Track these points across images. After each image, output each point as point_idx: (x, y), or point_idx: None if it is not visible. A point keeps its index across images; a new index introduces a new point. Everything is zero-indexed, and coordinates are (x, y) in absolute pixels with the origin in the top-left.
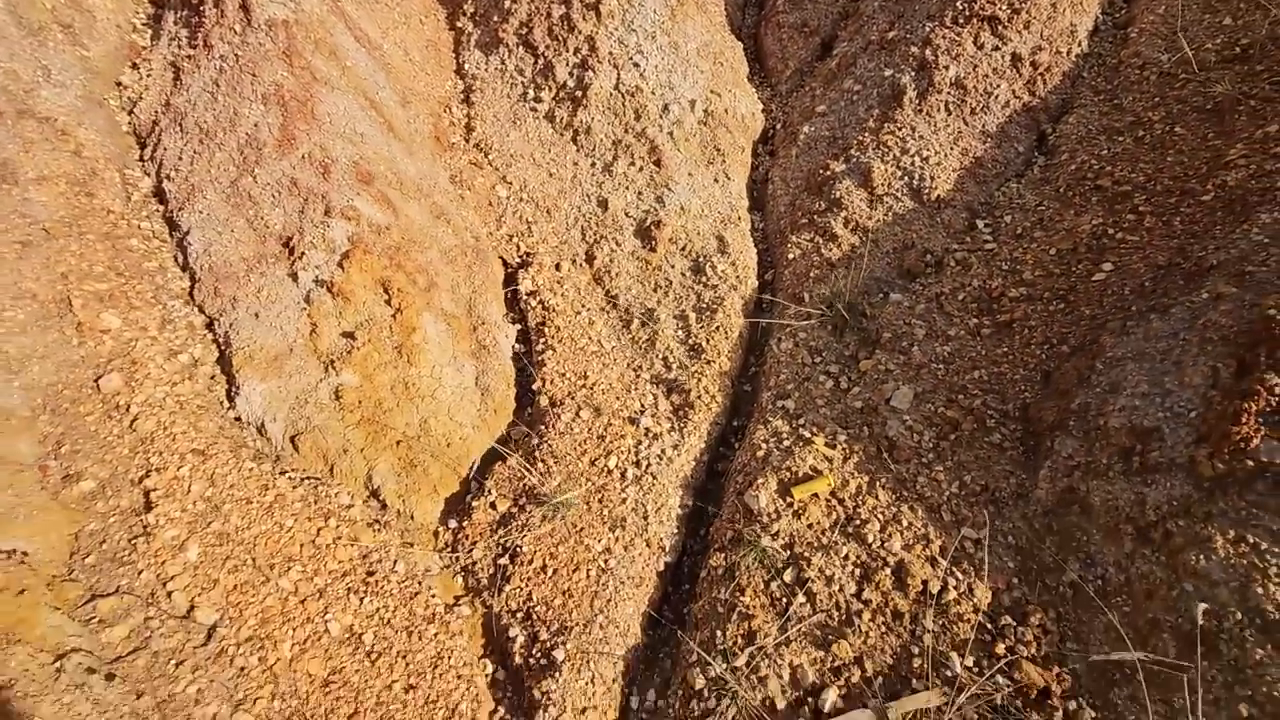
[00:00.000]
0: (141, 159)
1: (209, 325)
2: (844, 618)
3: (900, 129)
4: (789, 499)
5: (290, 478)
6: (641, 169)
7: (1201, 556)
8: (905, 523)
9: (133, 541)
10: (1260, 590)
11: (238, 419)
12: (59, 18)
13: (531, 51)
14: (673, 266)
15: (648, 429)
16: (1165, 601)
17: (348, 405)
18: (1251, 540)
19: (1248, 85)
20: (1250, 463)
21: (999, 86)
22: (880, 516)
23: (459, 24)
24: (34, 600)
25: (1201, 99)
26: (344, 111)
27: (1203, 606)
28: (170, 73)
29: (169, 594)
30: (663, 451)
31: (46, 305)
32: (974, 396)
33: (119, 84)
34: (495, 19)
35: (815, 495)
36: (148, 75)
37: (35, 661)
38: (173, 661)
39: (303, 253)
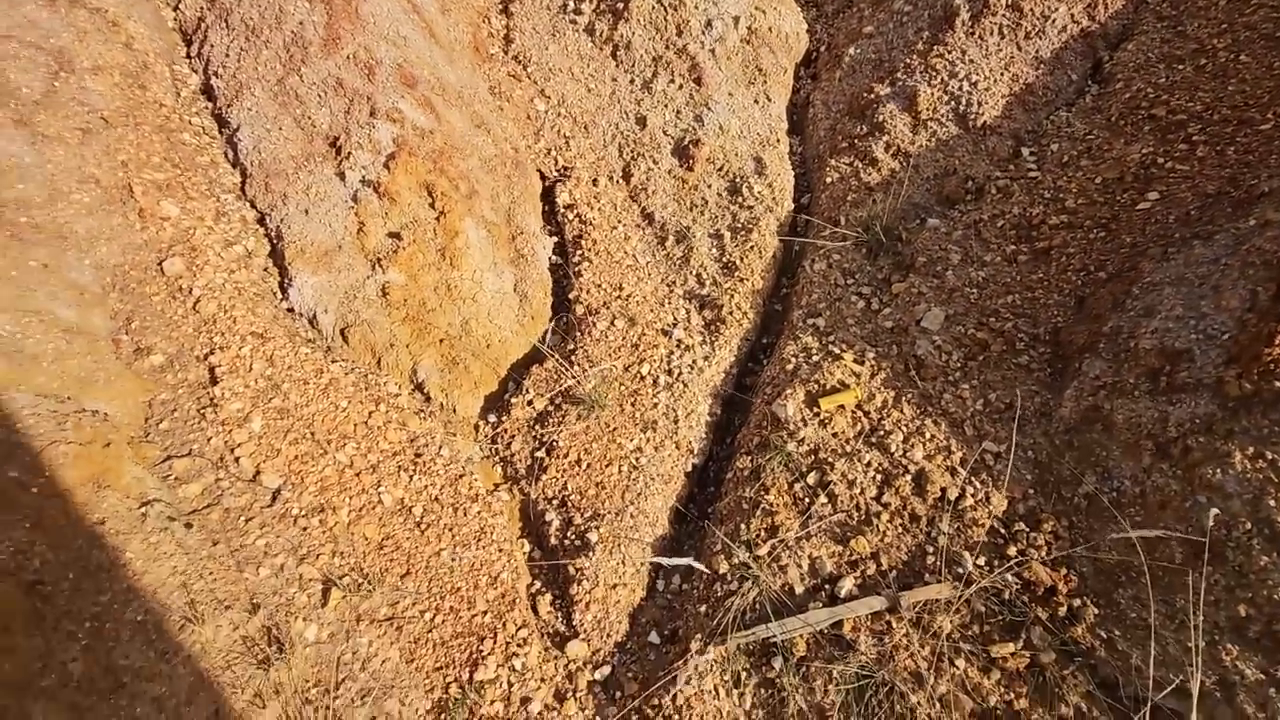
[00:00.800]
0: (188, 55)
1: (260, 220)
2: (863, 518)
3: (950, 52)
4: (816, 409)
5: (342, 366)
6: (681, 87)
7: (1218, 471)
8: (928, 435)
9: (201, 411)
10: (1272, 503)
11: (290, 310)
12: None
13: None
14: (709, 186)
15: (680, 341)
16: (1177, 512)
17: (394, 302)
18: (1270, 456)
19: None
20: (1278, 384)
21: (1057, 10)
22: (904, 429)
23: None
24: (118, 454)
25: (1272, 25)
26: (387, 13)
27: (1214, 512)
28: None
29: (236, 459)
30: (694, 362)
31: (109, 191)
32: (1005, 320)
33: None
34: None
35: (842, 407)
36: None
37: (124, 505)
38: (243, 518)
39: (349, 153)
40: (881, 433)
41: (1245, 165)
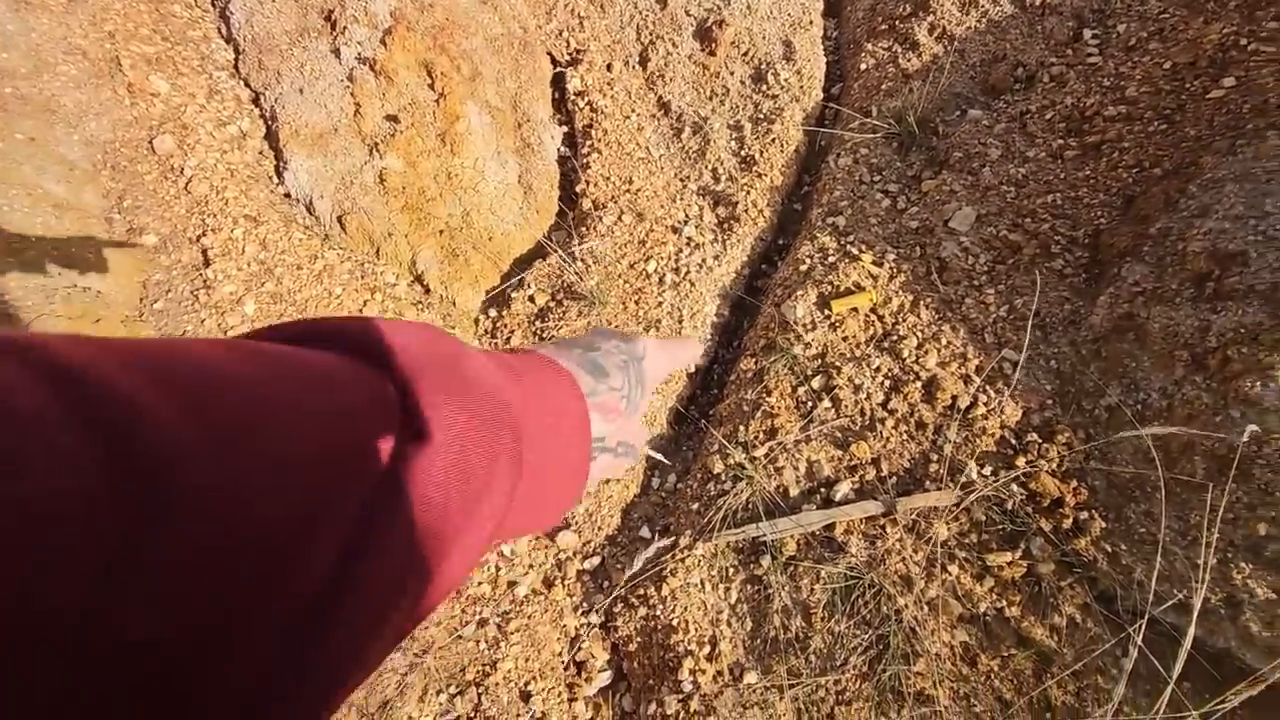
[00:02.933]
0: None
1: (255, 100)
2: (867, 423)
3: None
4: (827, 311)
5: (338, 253)
6: None
7: (1258, 384)
8: (944, 341)
9: (194, 293)
10: None
11: (287, 195)
12: None
13: None
14: (732, 73)
15: (690, 238)
16: (1205, 426)
17: (392, 190)
18: None
19: None
20: None
21: None
22: (919, 334)
23: None
24: (109, 330)
25: None
26: None
27: (1251, 428)
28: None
29: None
30: (703, 261)
31: (97, 63)
32: (1042, 221)
33: None
34: None
35: (855, 310)
36: None
37: None
38: None
39: (345, 27)
40: (895, 338)
41: None
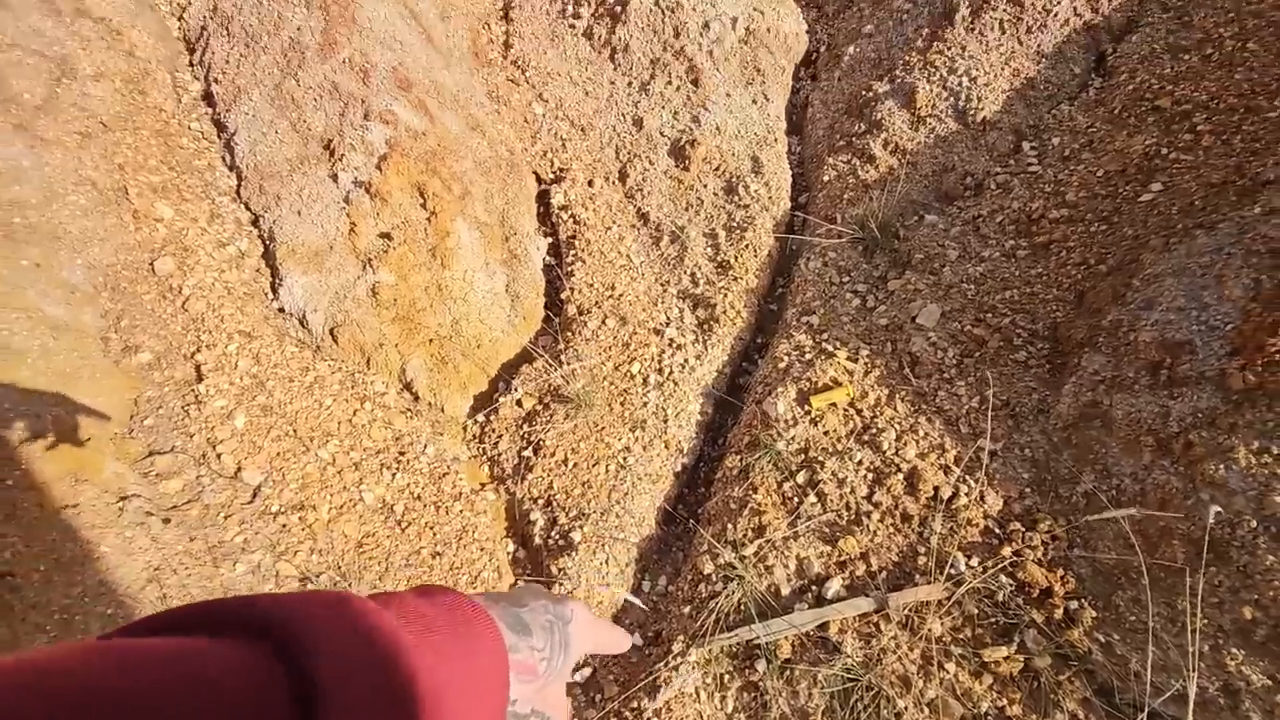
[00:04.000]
0: (191, 64)
1: (254, 221)
2: (853, 517)
3: (950, 48)
4: (807, 407)
5: (329, 364)
6: (678, 88)
7: (1221, 466)
8: (922, 433)
9: (185, 408)
10: (1278, 499)
11: (281, 310)
12: None
13: None
14: (705, 186)
15: (672, 340)
16: (1180, 510)
17: (384, 302)
18: (1275, 451)
19: None
20: None
21: (1059, 4)
22: (897, 426)
23: None
24: (98, 448)
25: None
26: (384, 18)
27: (1215, 510)
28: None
29: (219, 455)
30: (685, 361)
31: (105, 193)
32: (1003, 315)
33: None
34: None
35: (834, 404)
36: None
37: (101, 500)
38: (222, 514)
39: (343, 154)
40: (874, 430)
41: (1252, 153)
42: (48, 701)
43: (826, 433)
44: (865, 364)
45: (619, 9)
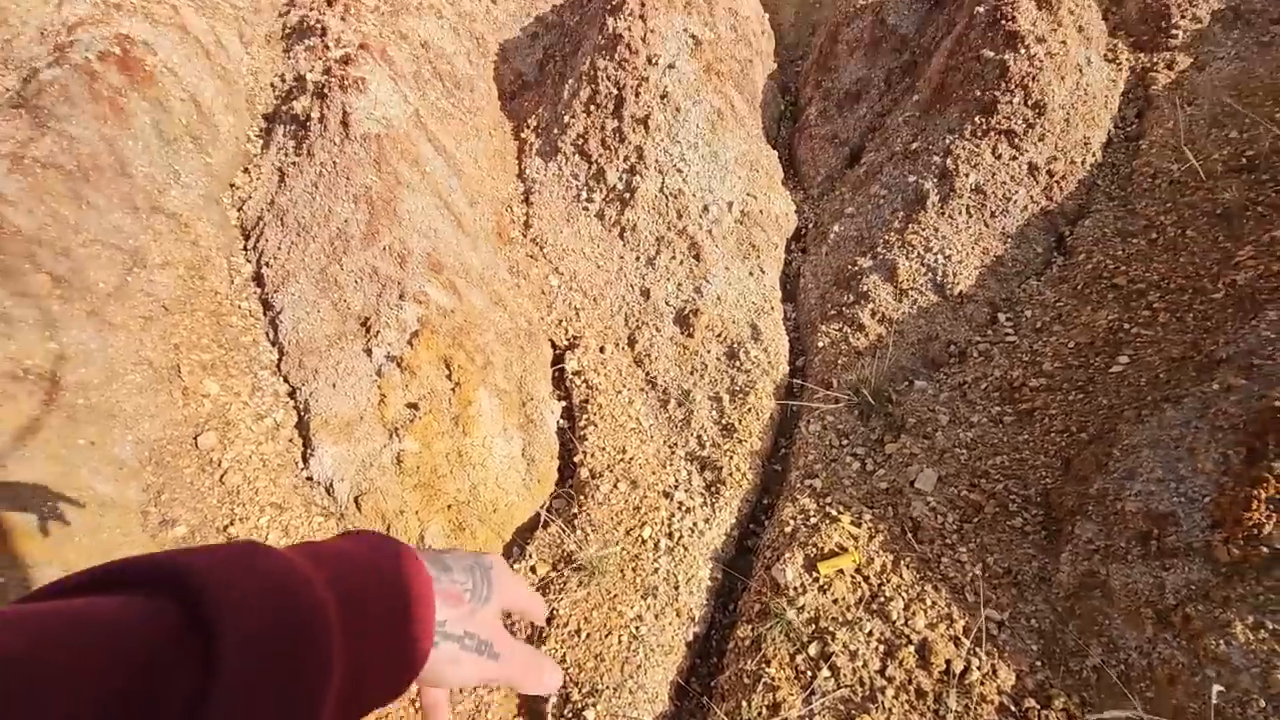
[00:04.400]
0: (245, 248)
1: (292, 393)
2: (868, 694)
3: (924, 229)
4: (815, 574)
5: None
6: (682, 262)
7: (1221, 642)
8: (929, 602)
9: None
10: None
11: (309, 478)
12: (191, 130)
13: (586, 159)
14: (709, 351)
15: (681, 503)
16: (1188, 687)
17: (407, 470)
18: (1271, 626)
19: (1254, 193)
20: (1265, 549)
21: (1017, 192)
22: (904, 595)
23: (523, 135)
24: None
25: (1211, 205)
26: (421, 210)
27: (1217, 689)
28: (276, 176)
29: None
30: (695, 525)
31: (160, 371)
32: (996, 481)
33: (232, 185)
34: (555, 131)
35: (841, 571)
36: (257, 178)
37: None
38: None
39: (378, 331)
40: (882, 599)
41: (1204, 330)
42: None
43: (836, 601)
44: (869, 529)
45: (628, 194)
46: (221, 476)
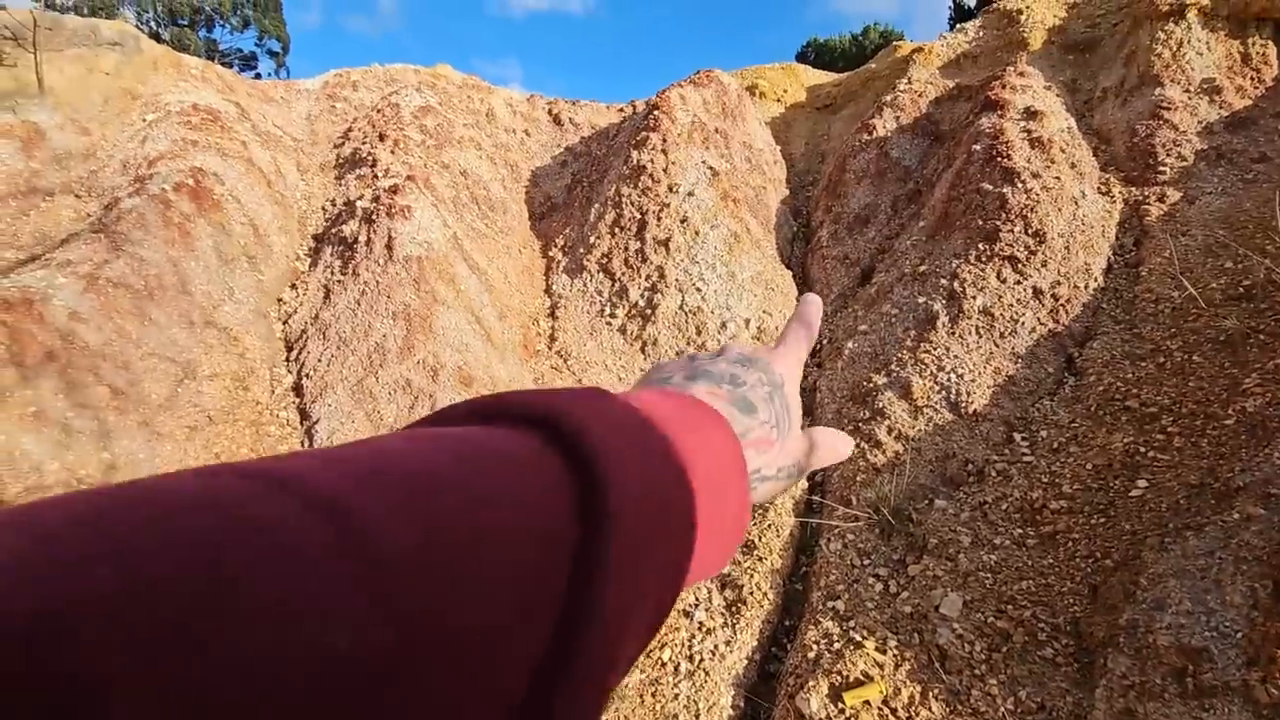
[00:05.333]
0: (288, 360)
1: None
2: None
3: (935, 348)
4: (840, 705)
5: None
6: None
7: None
8: None
9: None
10: None
11: None
12: (247, 251)
13: (610, 276)
14: None
15: (701, 623)
16: None
17: None
18: None
19: (1255, 321)
20: None
21: (1024, 315)
22: None
23: (550, 253)
24: None
25: (1214, 331)
26: (455, 325)
27: None
28: (322, 292)
29: None
30: (715, 647)
31: None
32: (1023, 608)
33: (280, 299)
34: (581, 250)
35: (867, 702)
36: (304, 293)
37: None
38: None
39: None
40: None
41: (1220, 457)
42: (407, 499)
43: None
44: (895, 656)
45: (649, 310)
46: None
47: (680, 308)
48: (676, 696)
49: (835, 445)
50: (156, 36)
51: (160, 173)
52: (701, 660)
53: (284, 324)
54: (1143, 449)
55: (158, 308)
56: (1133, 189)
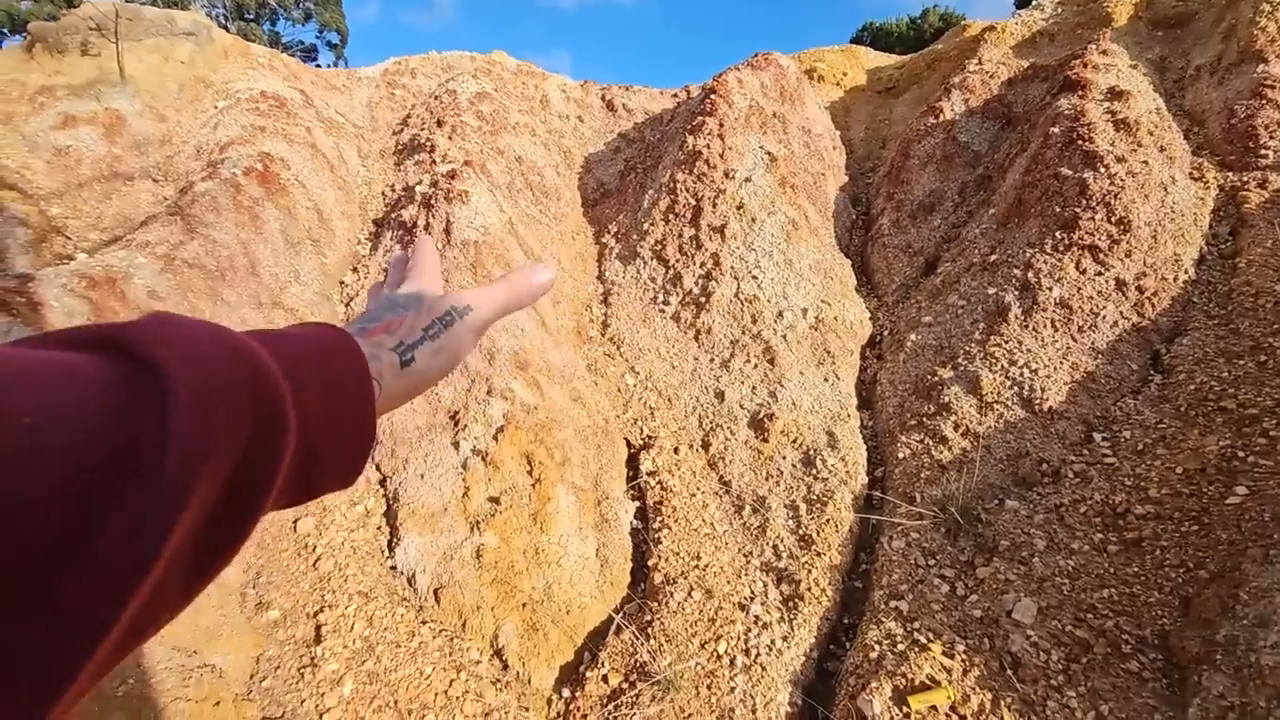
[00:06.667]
0: None
1: (382, 481)
2: None
3: (1007, 342)
4: (905, 709)
5: (431, 628)
6: (756, 366)
7: None
8: None
9: (300, 670)
10: None
11: (393, 567)
12: (311, 234)
13: (663, 264)
14: (784, 457)
15: (758, 617)
16: None
17: (486, 564)
18: None
19: None
20: None
21: (1105, 308)
22: None
23: (603, 240)
24: (224, 713)
25: None
26: None
27: None
28: (382, 276)
29: None
30: (772, 642)
31: None
32: (1105, 617)
33: (342, 283)
34: (634, 237)
35: (934, 708)
36: (365, 277)
37: None
38: None
39: (465, 425)
40: None
41: None
42: None
43: None
44: (963, 661)
45: (703, 298)
46: (315, 561)
47: (735, 296)
48: (733, 690)
49: (529, 280)
50: (224, 30)
51: (230, 157)
52: (758, 655)
53: (346, 306)
54: (1241, 453)
55: (229, 288)
56: (1229, 174)
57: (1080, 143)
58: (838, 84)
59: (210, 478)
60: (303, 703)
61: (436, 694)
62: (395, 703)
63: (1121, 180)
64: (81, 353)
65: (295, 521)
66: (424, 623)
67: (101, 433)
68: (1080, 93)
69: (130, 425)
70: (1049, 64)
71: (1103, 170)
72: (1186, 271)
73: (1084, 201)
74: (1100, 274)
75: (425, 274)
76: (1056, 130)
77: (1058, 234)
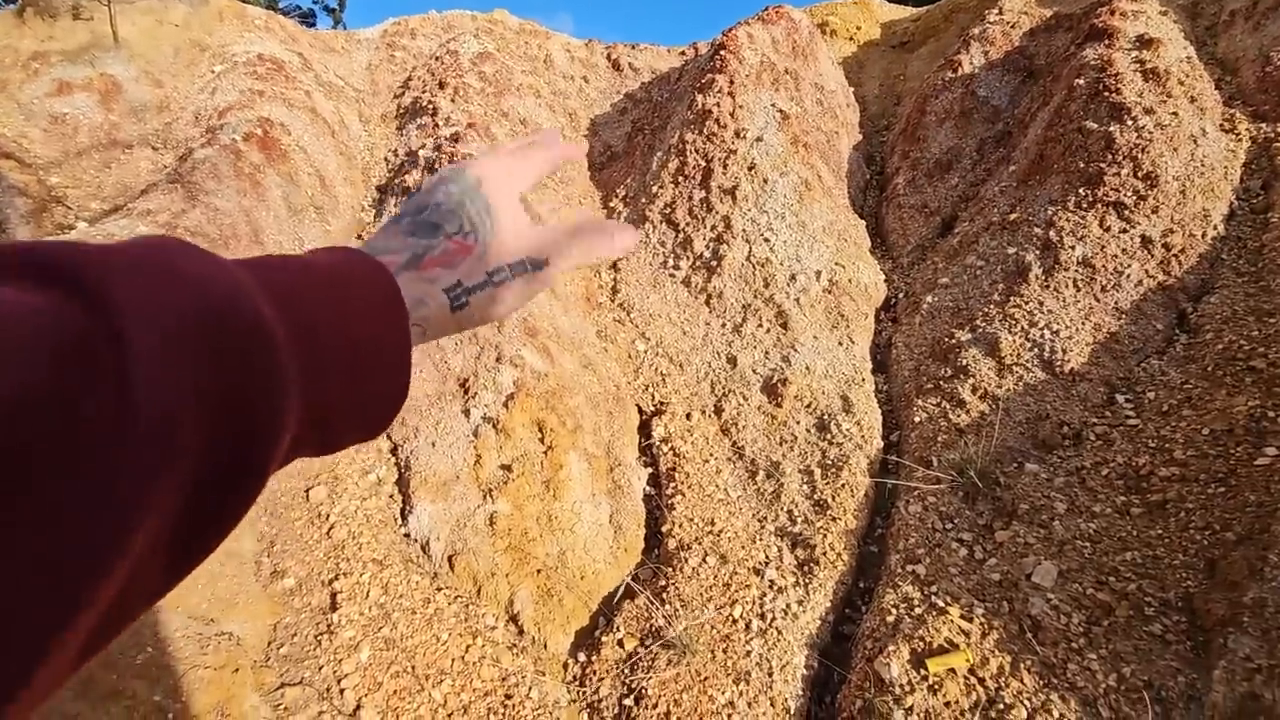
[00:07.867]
0: None
1: (393, 450)
2: None
3: (1027, 303)
4: (923, 671)
5: (446, 595)
6: (769, 330)
7: None
8: (1056, 714)
9: (318, 638)
10: None
11: (407, 535)
12: (314, 201)
13: (673, 227)
14: (798, 422)
15: (773, 581)
16: None
17: (499, 531)
18: None
19: None
20: None
21: (1130, 266)
22: (1027, 703)
23: (611, 204)
24: (243, 680)
25: None
26: None
27: None
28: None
29: (341, 691)
30: (787, 606)
31: None
32: (1127, 580)
33: None
34: (643, 200)
35: (952, 670)
36: None
37: None
38: None
39: (475, 393)
40: (1001, 705)
41: None
42: None
43: (948, 704)
44: (982, 624)
45: (714, 262)
46: (329, 530)
47: (747, 259)
48: (749, 654)
49: (610, 239)
50: None
51: (230, 123)
52: (773, 619)
53: None
54: (1271, 414)
55: (232, 257)
56: (1263, 125)
57: (1107, 94)
58: (851, 38)
59: (175, 478)
60: (321, 669)
61: (453, 659)
62: (412, 668)
63: (1150, 133)
64: (21, 283)
65: (308, 490)
66: (439, 589)
67: (33, 402)
68: (1107, 41)
69: (69, 409)
70: (1073, 12)
71: (1130, 123)
72: (1215, 228)
73: (1110, 156)
74: (1125, 231)
75: (503, 190)
76: (1081, 82)
77: (1081, 190)
